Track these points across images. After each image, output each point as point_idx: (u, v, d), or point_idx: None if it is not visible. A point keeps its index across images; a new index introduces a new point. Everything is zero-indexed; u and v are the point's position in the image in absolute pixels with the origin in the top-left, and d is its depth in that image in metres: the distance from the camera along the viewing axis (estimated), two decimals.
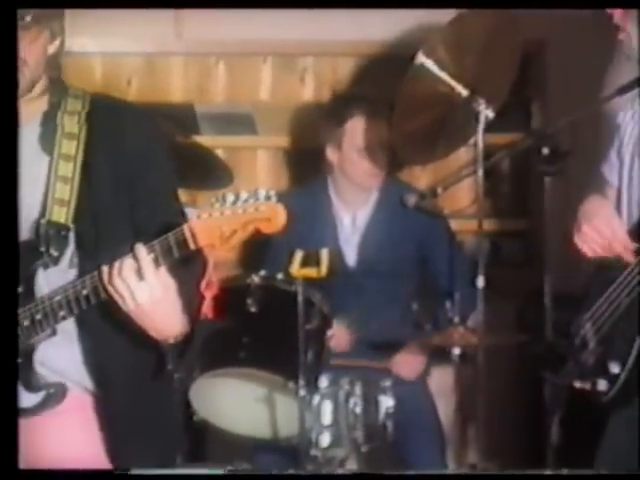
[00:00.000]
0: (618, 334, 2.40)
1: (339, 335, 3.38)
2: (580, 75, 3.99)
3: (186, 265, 2.20)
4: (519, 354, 3.79)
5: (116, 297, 2.12)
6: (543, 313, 3.09)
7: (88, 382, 2.34)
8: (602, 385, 2.39)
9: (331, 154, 3.58)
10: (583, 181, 3.37)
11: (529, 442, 3.67)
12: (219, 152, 3.95)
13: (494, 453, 3.96)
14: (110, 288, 2.13)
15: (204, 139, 4.00)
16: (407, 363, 3.48)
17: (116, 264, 2.12)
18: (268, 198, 2.11)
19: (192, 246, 2.11)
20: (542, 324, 3.10)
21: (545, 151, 3.02)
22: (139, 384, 2.44)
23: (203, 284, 2.26)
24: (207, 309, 2.34)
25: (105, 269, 2.14)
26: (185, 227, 2.12)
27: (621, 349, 2.37)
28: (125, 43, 4.12)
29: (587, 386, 2.43)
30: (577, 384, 2.46)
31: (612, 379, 2.38)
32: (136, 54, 4.20)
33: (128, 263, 2.10)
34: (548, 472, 2.49)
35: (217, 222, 2.09)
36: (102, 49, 4.11)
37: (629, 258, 2.39)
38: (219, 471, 2.95)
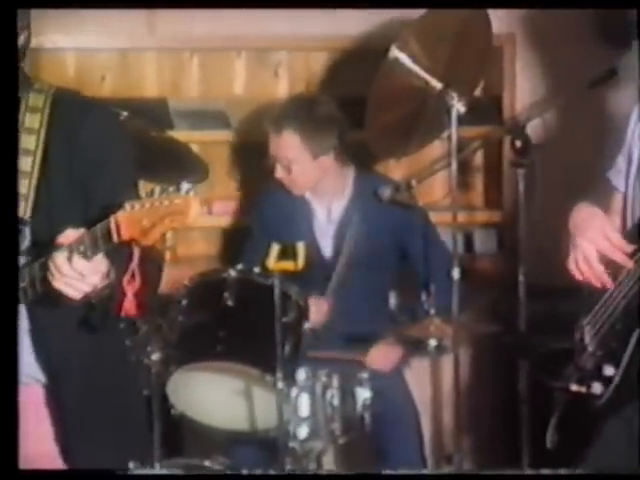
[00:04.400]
0: (613, 337, 2.39)
1: (318, 307, 3.40)
2: (551, 68, 4.03)
3: (113, 259, 2.21)
4: (494, 345, 3.83)
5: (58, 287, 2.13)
6: (517, 304, 3.13)
7: (41, 375, 2.34)
8: (597, 388, 2.38)
9: None
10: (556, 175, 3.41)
11: (504, 432, 3.69)
12: (193, 147, 3.95)
13: (470, 444, 4.02)
14: (52, 279, 2.15)
15: (178, 134, 3.99)
16: (381, 356, 3.49)
17: (55, 255, 2.14)
18: (187, 192, 2.11)
19: (115, 239, 2.11)
20: (516, 315, 3.14)
21: (518, 143, 3.05)
22: (97, 377, 2.44)
23: (125, 279, 2.24)
24: (129, 305, 2.31)
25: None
26: (111, 219, 2.11)
27: (616, 352, 2.37)
28: (98, 39, 4.11)
29: (583, 389, 2.42)
30: (573, 387, 2.45)
31: (606, 382, 2.37)
32: (109, 50, 4.20)
33: (60, 255, 2.12)
34: (546, 472, 2.50)
35: (139, 215, 2.08)
36: (75, 45, 4.10)
37: (628, 264, 2.36)
38: (219, 471, 2.97)
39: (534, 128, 3.13)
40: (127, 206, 2.10)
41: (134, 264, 2.20)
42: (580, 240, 2.39)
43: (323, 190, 3.64)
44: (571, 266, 2.43)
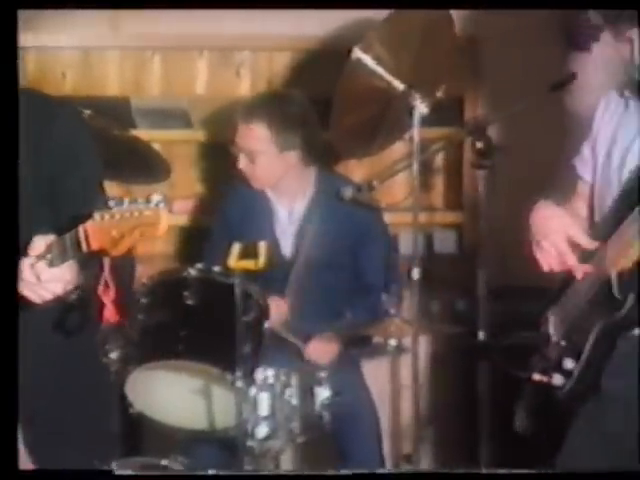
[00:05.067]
0: (576, 330, 2.41)
1: (277, 307, 3.41)
2: (514, 71, 4.06)
3: (84, 268, 2.21)
4: (454, 344, 3.85)
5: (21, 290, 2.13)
6: (477, 304, 3.15)
7: None
8: (558, 380, 2.40)
9: None
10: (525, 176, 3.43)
11: (464, 431, 3.71)
12: (155, 146, 3.94)
13: (429, 443, 4.04)
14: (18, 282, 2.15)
15: (140, 133, 3.99)
16: (318, 348, 3.48)
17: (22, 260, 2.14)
18: (157, 204, 2.11)
19: (85, 248, 2.11)
20: (476, 315, 3.16)
21: (479, 145, 3.07)
22: (63, 376, 2.43)
23: (100, 289, 2.24)
24: (109, 314, 2.31)
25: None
26: (80, 229, 2.11)
27: (577, 345, 2.38)
28: (61, 37, 4.09)
29: (545, 379, 2.44)
30: (536, 377, 2.47)
31: (567, 375, 2.39)
32: (72, 48, 4.18)
33: (27, 261, 2.11)
34: (502, 471, 2.50)
35: (109, 226, 2.09)
36: (37, 43, 4.07)
37: (584, 270, 2.39)
38: (219, 472, 2.97)
39: (495, 130, 3.15)
40: (96, 216, 2.10)
41: (106, 274, 2.21)
42: (544, 242, 2.41)
43: (285, 189, 3.64)
44: (541, 261, 2.44)
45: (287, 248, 3.63)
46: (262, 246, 2.95)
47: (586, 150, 2.59)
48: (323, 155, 3.68)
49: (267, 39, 4.14)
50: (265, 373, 3.06)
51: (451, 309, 3.92)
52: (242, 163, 3.59)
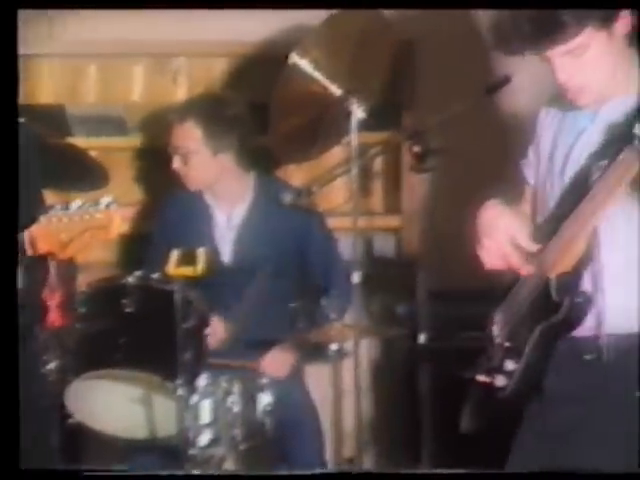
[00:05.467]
0: (519, 332, 2.41)
1: (216, 330, 3.39)
2: (451, 74, 4.08)
3: (30, 272, 2.19)
4: (394, 348, 3.86)
5: None
6: (416, 307, 3.16)
7: None
8: (500, 381, 2.40)
9: None
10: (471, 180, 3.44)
11: (406, 434, 3.73)
12: (92, 153, 3.90)
13: (372, 446, 4.04)
14: None
15: (76, 140, 3.95)
16: (275, 362, 3.48)
17: None
18: (107, 206, 2.10)
19: (30, 252, 2.09)
20: (415, 318, 3.17)
21: (416, 149, 3.08)
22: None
23: (45, 293, 2.23)
24: (53, 317, 2.29)
25: None
26: (25, 233, 2.09)
27: (519, 347, 2.38)
28: None
29: (488, 380, 2.45)
30: (480, 378, 2.47)
31: (509, 376, 2.39)
32: None
33: None
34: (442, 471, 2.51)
35: (56, 229, 2.07)
36: None
37: (526, 271, 2.40)
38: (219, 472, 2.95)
39: (434, 133, 3.17)
40: (42, 219, 2.07)
41: (52, 277, 2.19)
42: (487, 240, 2.43)
43: (223, 194, 3.63)
44: (484, 260, 2.46)
45: (226, 254, 3.62)
46: (201, 253, 2.94)
47: (531, 153, 2.62)
48: (262, 160, 3.68)
49: (203, 45, 4.12)
50: (206, 380, 3.05)
51: (392, 313, 3.93)
52: (176, 163, 3.57)
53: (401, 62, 4.03)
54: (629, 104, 2.25)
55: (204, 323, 3.26)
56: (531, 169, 2.60)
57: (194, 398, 3.01)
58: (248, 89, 4.01)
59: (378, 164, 4.30)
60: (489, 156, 3.83)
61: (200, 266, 2.94)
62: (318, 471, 2.81)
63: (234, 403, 3.09)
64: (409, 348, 3.35)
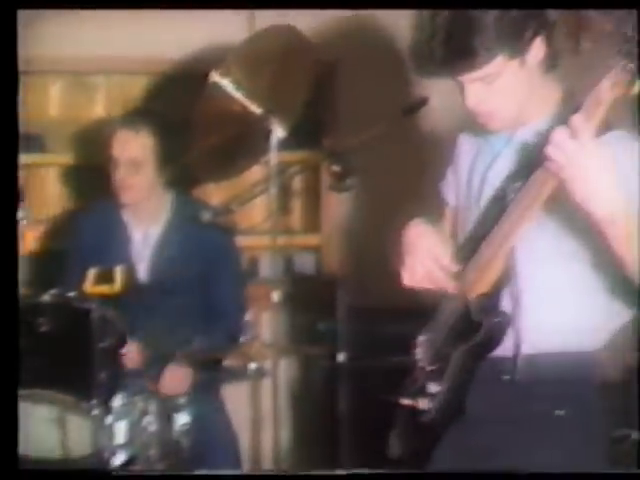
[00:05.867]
0: (442, 354, 2.42)
1: (131, 351, 3.36)
2: (371, 94, 4.11)
3: None
4: (315, 367, 3.86)
5: None
6: (336, 326, 3.16)
7: None
8: (424, 404, 2.40)
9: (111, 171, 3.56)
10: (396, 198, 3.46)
11: (325, 453, 3.72)
12: None
13: (289, 467, 4.03)
14: None
15: None
16: (171, 379, 3.44)
17: None
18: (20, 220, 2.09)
19: None
20: (335, 337, 3.17)
21: (336, 168, 3.09)
22: None
23: None
24: None
25: None
26: None
27: (442, 370, 2.39)
28: None
29: (412, 403, 2.46)
30: (405, 401, 2.47)
31: (432, 399, 2.39)
32: None
33: None
34: None
35: None
36: None
37: (448, 290, 2.43)
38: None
39: (355, 153, 3.18)
40: None
41: None
42: (409, 259, 2.44)
43: (142, 212, 3.60)
44: (407, 279, 2.47)
45: (143, 272, 3.59)
46: (118, 271, 2.91)
47: (450, 175, 2.64)
48: (180, 178, 3.66)
49: (122, 62, 4.09)
50: (122, 400, 3.01)
51: (312, 331, 3.93)
52: (122, 174, 3.52)
53: (322, 82, 4.05)
54: (542, 127, 2.28)
55: (121, 342, 3.22)
56: (450, 190, 2.63)
57: (109, 418, 2.98)
58: (168, 107, 4.00)
59: (298, 183, 4.32)
60: (407, 176, 3.86)
61: (117, 284, 2.91)
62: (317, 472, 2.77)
63: (150, 423, 3.06)
64: (328, 367, 3.35)
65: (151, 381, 3.38)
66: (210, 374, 3.54)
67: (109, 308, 3.12)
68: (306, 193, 4.33)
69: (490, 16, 2.19)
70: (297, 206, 4.35)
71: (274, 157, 3.28)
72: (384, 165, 3.97)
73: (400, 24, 4.02)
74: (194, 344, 3.43)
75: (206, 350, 3.45)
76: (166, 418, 3.10)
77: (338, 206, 3.12)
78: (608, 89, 2.00)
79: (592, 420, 2.36)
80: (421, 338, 2.50)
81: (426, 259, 2.41)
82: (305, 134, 3.88)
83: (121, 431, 3.00)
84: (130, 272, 3.43)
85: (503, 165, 2.37)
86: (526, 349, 2.30)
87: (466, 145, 2.56)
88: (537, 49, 2.27)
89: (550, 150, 2.06)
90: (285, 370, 3.89)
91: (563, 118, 2.13)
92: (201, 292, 3.62)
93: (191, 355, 3.42)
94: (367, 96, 4.12)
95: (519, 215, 2.21)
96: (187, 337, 3.52)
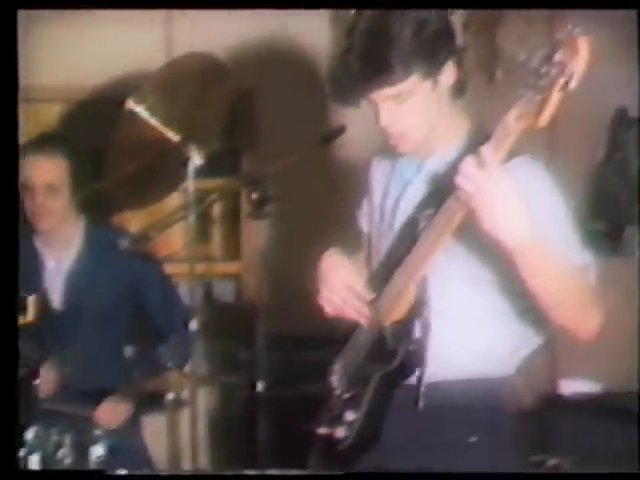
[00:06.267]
0: (357, 382, 2.42)
1: (46, 379, 3.31)
2: (290, 122, 4.11)
3: None
4: (231, 396, 3.83)
5: None
6: (255, 354, 3.14)
7: None
8: (340, 432, 2.40)
9: (23, 198, 3.51)
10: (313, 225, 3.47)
11: None
12: None
13: None
14: None
15: None
16: (109, 411, 3.42)
17: None
18: None
19: None
20: (254, 365, 3.15)
21: (254, 196, 3.08)
22: None
23: None
24: None
25: None
26: None
27: (358, 397, 2.39)
28: None
29: (329, 432, 2.45)
30: (321, 430, 2.46)
31: (349, 427, 2.39)
32: None
33: None
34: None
35: None
36: None
37: (363, 319, 2.43)
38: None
39: (272, 180, 3.18)
40: None
41: None
42: (325, 289, 2.44)
43: (54, 240, 3.56)
44: (323, 309, 2.47)
45: (56, 301, 3.54)
46: (30, 300, 2.86)
47: (365, 203, 2.65)
48: (94, 204, 3.62)
49: (37, 90, 4.05)
50: (35, 433, 2.96)
51: (232, 360, 3.91)
52: (39, 199, 3.47)
53: (240, 109, 4.05)
54: (452, 156, 2.31)
55: (34, 373, 3.17)
56: (365, 218, 2.64)
57: (22, 451, 2.91)
58: (83, 133, 3.96)
59: (217, 210, 4.30)
60: (326, 203, 3.87)
61: (30, 313, 2.86)
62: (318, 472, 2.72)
63: (65, 455, 3.00)
64: (247, 396, 3.33)
65: (81, 411, 3.34)
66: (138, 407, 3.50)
67: (21, 338, 3.06)
68: (225, 220, 4.32)
69: (407, 32, 2.22)
70: (216, 233, 4.34)
71: (192, 184, 3.25)
72: (303, 192, 3.97)
73: (319, 47, 4.06)
74: (133, 376, 3.38)
75: (132, 381, 3.41)
76: (82, 451, 3.04)
77: (257, 234, 3.11)
78: (516, 120, 2.02)
79: (506, 446, 2.37)
80: (336, 366, 2.51)
81: (340, 288, 2.42)
82: (223, 161, 3.88)
83: (34, 464, 2.93)
84: (43, 301, 3.38)
85: (414, 192, 2.39)
86: (437, 376, 2.30)
87: (378, 172, 2.58)
88: (448, 72, 2.30)
89: (460, 180, 2.08)
90: (204, 400, 3.86)
91: (472, 148, 2.15)
92: (122, 320, 3.58)
93: (132, 387, 3.38)
94: (285, 122, 4.13)
95: (431, 243, 2.23)
96: (113, 367, 3.48)
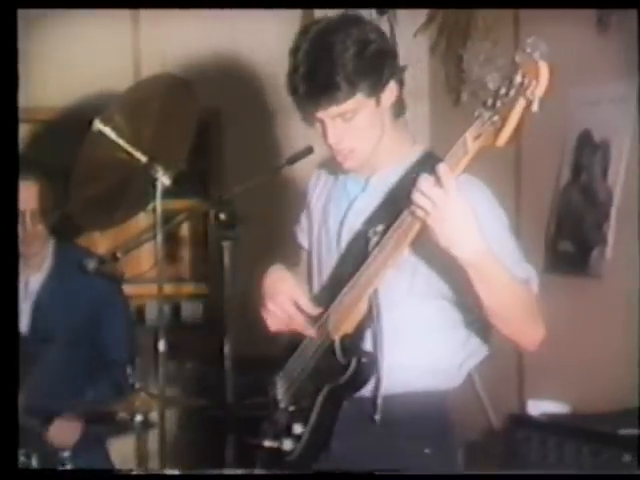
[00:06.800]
0: (303, 395, 2.45)
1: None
2: (256, 142, 4.12)
3: None
4: (200, 418, 3.81)
5: None
6: (223, 376, 3.13)
7: None
8: (287, 445, 2.43)
9: None
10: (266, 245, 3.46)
11: None
12: None
13: None
14: None
15: None
16: (60, 431, 3.41)
17: None
18: None
19: None
20: (223, 387, 3.14)
21: (222, 216, 3.08)
22: None
23: None
24: None
25: None
26: None
27: (305, 410, 2.42)
28: None
29: (275, 445, 2.46)
30: (267, 443, 2.48)
31: (296, 439, 2.42)
32: None
33: None
34: None
35: None
36: None
37: (309, 333, 2.45)
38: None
39: (239, 201, 3.18)
40: None
41: None
42: (270, 304, 2.45)
43: (25, 262, 3.53)
44: (268, 323, 2.48)
45: (23, 323, 3.52)
46: None
47: (303, 219, 2.68)
48: (62, 226, 3.61)
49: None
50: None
51: (199, 380, 3.89)
52: (28, 225, 3.50)
53: (207, 130, 4.05)
54: (397, 174, 2.37)
55: None
56: (304, 234, 2.67)
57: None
58: (51, 155, 3.95)
59: (184, 231, 4.29)
60: (282, 222, 3.88)
61: None
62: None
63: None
64: (216, 417, 3.32)
65: (39, 433, 3.32)
66: (95, 427, 3.49)
67: None
68: (193, 241, 4.31)
69: (350, 52, 2.28)
70: (185, 254, 4.33)
71: (159, 205, 3.25)
72: (268, 213, 3.98)
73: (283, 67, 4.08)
74: (84, 396, 3.37)
75: (93, 402, 3.40)
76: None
77: (224, 254, 3.10)
78: (474, 140, 2.06)
79: (456, 458, 2.44)
80: (278, 379, 2.52)
81: (286, 303, 2.45)
82: (191, 182, 3.88)
83: None
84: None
85: (360, 209, 2.44)
86: (387, 390, 2.33)
87: (318, 188, 2.62)
88: (390, 91, 2.36)
89: (416, 197, 2.12)
90: (172, 421, 3.84)
91: (418, 167, 2.26)
92: (86, 342, 3.57)
93: (82, 409, 3.37)
94: (252, 143, 4.13)
95: (385, 257, 2.26)
96: (75, 388, 3.46)
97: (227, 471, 2.59)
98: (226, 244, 3.11)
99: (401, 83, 2.42)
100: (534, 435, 3.66)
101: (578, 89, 3.84)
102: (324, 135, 2.36)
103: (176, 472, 2.89)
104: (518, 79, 1.99)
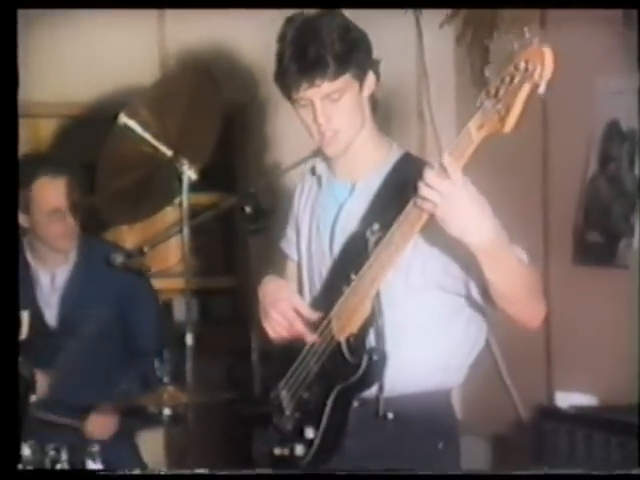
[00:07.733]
0: (310, 399, 2.47)
1: (40, 391, 3.31)
2: (278, 136, 4.12)
3: None
4: (229, 412, 3.81)
5: None
6: (251, 370, 3.14)
7: None
8: (299, 450, 2.45)
9: (22, 218, 3.50)
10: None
11: None
12: None
13: None
14: None
15: None
16: (97, 425, 3.43)
17: None
18: None
19: None
20: (250, 381, 3.14)
21: (248, 210, 3.08)
22: None
23: None
24: None
25: None
26: None
27: (314, 414, 2.44)
28: None
29: (286, 452, 2.48)
30: (276, 451, 2.51)
31: (308, 444, 2.43)
32: None
33: None
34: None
35: None
36: None
37: (310, 339, 2.46)
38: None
39: (264, 194, 3.18)
40: None
41: None
42: (272, 311, 2.46)
43: (47, 256, 3.56)
44: (268, 330, 2.53)
45: (51, 317, 3.54)
46: (24, 316, 2.86)
47: (290, 231, 2.71)
48: (88, 220, 3.63)
49: (31, 106, 4.05)
50: (31, 449, 2.94)
51: (226, 375, 3.89)
52: (61, 222, 3.52)
53: (232, 124, 4.06)
54: (383, 174, 2.44)
55: (29, 389, 3.16)
56: (292, 245, 2.71)
57: (18, 467, 2.90)
58: (77, 150, 3.96)
59: (212, 225, 4.29)
60: None
61: (24, 329, 2.86)
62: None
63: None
64: (243, 412, 3.32)
65: (72, 421, 3.34)
66: (124, 421, 3.50)
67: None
68: (222, 235, 4.31)
69: (335, 34, 2.36)
70: (212, 248, 4.33)
71: (185, 199, 3.25)
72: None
73: None
74: (119, 390, 3.39)
75: (123, 396, 3.41)
76: (79, 466, 3.03)
77: (250, 248, 3.10)
78: (478, 129, 2.07)
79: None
80: (282, 386, 2.53)
81: (286, 309, 2.49)
82: (217, 175, 3.88)
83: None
84: (37, 317, 3.39)
85: (351, 212, 2.47)
86: (400, 388, 2.37)
87: (303, 199, 2.66)
88: (370, 80, 2.43)
89: (423, 190, 2.13)
90: (200, 415, 3.83)
91: (403, 168, 2.34)
92: (115, 334, 3.58)
93: (116, 401, 3.38)
94: (276, 136, 4.13)
95: (391, 253, 2.28)
96: (106, 380, 3.48)
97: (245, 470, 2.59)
98: (252, 238, 3.12)
99: (378, 77, 2.47)
100: (562, 427, 3.66)
101: (605, 79, 3.82)
102: (313, 116, 2.40)
103: (203, 470, 2.89)
104: (522, 65, 1.99)
